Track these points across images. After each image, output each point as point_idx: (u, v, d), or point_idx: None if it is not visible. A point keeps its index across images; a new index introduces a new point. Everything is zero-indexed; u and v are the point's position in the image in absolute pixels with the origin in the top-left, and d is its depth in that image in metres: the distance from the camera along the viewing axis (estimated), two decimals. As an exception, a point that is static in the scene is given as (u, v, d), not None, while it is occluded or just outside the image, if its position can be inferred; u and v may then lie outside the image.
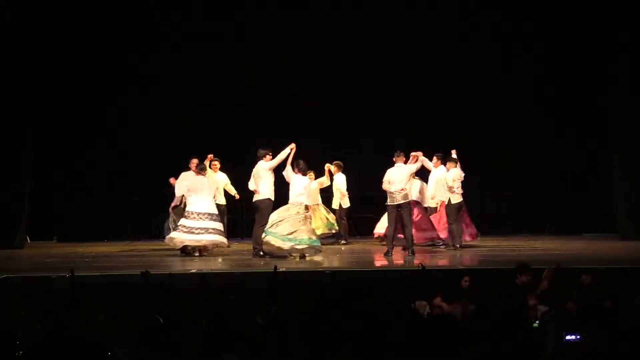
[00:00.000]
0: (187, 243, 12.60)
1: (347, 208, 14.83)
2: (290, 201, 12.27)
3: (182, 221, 12.68)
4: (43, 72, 15.27)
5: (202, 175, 12.88)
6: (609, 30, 14.97)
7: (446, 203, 13.27)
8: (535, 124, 16.25)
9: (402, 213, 12.49)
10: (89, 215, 15.90)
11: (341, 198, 14.76)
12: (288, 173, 12.42)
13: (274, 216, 12.18)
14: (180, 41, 16.04)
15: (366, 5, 16.33)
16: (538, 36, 15.94)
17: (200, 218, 12.68)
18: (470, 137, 15.74)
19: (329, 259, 12.68)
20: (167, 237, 12.89)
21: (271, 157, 12.67)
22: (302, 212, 12.22)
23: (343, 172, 14.75)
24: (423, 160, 13.20)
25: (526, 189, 16.18)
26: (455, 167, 13.31)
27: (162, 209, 14.32)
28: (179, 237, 12.62)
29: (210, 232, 12.65)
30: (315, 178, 14.23)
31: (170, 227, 13.29)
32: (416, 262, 11.33)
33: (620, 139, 15.04)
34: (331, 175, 14.47)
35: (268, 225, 12.08)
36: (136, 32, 15.92)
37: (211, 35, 16.09)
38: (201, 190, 12.75)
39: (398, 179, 12.50)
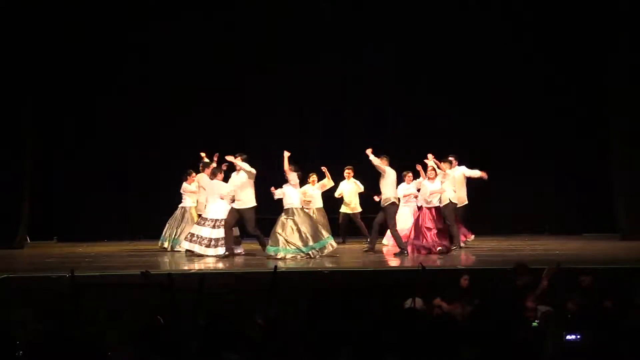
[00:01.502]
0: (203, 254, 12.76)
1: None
2: (299, 207, 12.49)
3: (197, 230, 12.81)
4: (42, 71, 15.27)
5: (215, 178, 12.93)
6: (610, 30, 14.97)
7: (442, 205, 13.25)
8: (535, 123, 16.24)
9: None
10: (89, 215, 15.89)
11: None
12: (294, 178, 12.51)
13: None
14: (179, 39, 16.02)
15: (366, 4, 16.32)
16: (539, 36, 15.93)
17: (212, 226, 12.82)
18: (470, 137, 15.74)
19: (328, 259, 12.70)
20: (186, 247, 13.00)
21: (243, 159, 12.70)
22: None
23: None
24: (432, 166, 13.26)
25: (526, 189, 16.16)
26: (450, 168, 13.34)
27: (161, 209, 14.36)
28: (193, 249, 12.77)
29: (219, 246, 12.79)
30: (319, 180, 14.30)
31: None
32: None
33: (620, 139, 15.04)
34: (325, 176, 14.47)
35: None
36: (135, 31, 15.91)
37: (210, 33, 16.08)
38: (212, 195, 12.81)
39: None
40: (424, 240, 12.77)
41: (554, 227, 16.19)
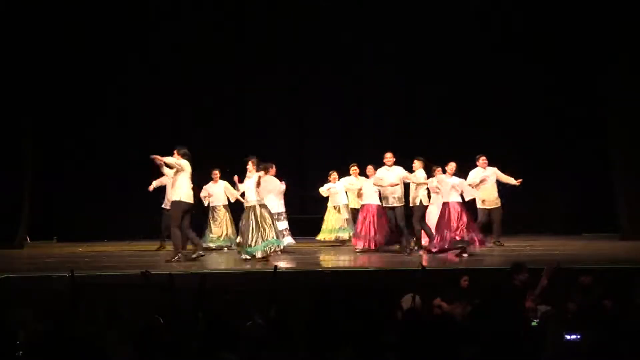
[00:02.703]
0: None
1: None
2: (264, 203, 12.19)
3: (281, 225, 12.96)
4: (41, 72, 15.28)
5: (266, 174, 12.95)
6: (609, 31, 14.97)
7: (417, 204, 13.12)
8: (536, 123, 16.24)
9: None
10: (89, 215, 15.89)
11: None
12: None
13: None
14: (178, 40, 16.02)
15: (367, 3, 16.31)
16: (539, 36, 15.92)
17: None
18: (470, 137, 15.73)
19: (328, 259, 12.70)
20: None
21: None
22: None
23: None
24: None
25: (526, 189, 16.14)
26: (421, 168, 13.16)
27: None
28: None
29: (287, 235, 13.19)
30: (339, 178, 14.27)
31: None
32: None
33: (620, 138, 15.04)
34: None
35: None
36: (134, 30, 15.91)
37: (209, 33, 16.07)
38: (265, 190, 12.87)
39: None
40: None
41: (554, 227, 16.19)
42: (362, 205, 13.42)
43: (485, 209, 13.99)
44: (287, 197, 13.63)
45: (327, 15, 16.31)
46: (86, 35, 15.77)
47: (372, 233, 13.14)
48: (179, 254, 11.91)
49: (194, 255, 11.97)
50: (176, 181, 12.04)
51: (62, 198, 15.92)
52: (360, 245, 13.24)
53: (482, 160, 13.96)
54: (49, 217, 15.77)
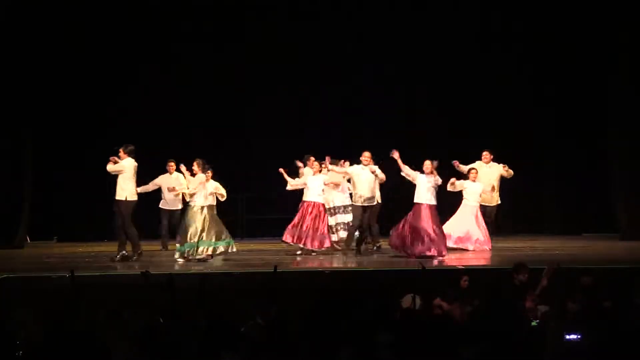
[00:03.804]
0: None
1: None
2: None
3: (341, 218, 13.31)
4: (42, 73, 15.26)
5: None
6: (609, 30, 14.97)
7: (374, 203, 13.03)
8: (535, 123, 16.24)
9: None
10: (89, 215, 15.87)
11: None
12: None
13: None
14: (180, 40, 16.02)
15: (367, 6, 16.32)
16: (539, 35, 15.92)
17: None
18: (470, 137, 15.73)
19: (328, 259, 12.69)
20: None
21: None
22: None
23: None
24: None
25: (526, 189, 16.16)
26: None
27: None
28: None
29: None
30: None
31: None
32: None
33: (620, 139, 15.03)
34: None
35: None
36: (133, 31, 15.90)
37: (209, 33, 16.07)
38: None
39: None
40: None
41: (554, 227, 16.19)
42: (306, 202, 13.02)
43: (480, 204, 13.92)
44: (288, 196, 13.64)
45: (328, 16, 16.30)
46: (85, 40, 15.73)
47: (312, 232, 12.77)
48: (139, 251, 12.36)
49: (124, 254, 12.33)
50: (120, 181, 12.42)
51: (62, 198, 15.91)
52: (290, 240, 12.85)
53: (484, 155, 13.89)
54: (49, 217, 15.76)
